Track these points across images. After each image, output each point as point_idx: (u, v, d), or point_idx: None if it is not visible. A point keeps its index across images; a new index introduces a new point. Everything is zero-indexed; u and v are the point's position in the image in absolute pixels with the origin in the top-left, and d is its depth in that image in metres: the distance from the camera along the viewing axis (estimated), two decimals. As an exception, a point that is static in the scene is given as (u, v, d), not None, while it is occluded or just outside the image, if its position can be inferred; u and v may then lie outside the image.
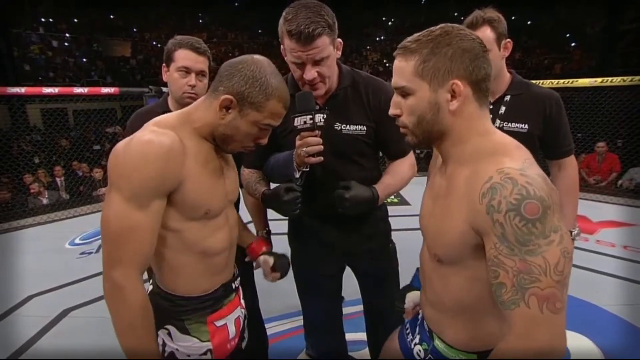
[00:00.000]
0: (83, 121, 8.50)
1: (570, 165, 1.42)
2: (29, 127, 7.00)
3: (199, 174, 0.85)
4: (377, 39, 18.05)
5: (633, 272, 2.74)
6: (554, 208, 0.61)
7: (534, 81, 1.52)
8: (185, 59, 1.30)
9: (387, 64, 15.59)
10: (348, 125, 1.19)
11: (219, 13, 18.13)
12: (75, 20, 14.96)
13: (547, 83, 4.25)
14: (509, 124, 1.34)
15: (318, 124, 1.07)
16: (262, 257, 1.16)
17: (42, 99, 5.35)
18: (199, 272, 0.92)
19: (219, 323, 0.96)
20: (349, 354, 1.59)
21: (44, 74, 11.89)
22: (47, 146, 5.25)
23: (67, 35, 14.36)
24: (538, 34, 13.90)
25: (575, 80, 4.32)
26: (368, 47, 17.44)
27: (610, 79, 4.19)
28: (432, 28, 0.72)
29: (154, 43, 16.08)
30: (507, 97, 1.35)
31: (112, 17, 16.01)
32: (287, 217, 1.40)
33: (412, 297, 1.03)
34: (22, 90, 4.31)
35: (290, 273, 1.44)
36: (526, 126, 1.32)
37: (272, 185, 1.24)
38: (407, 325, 1.02)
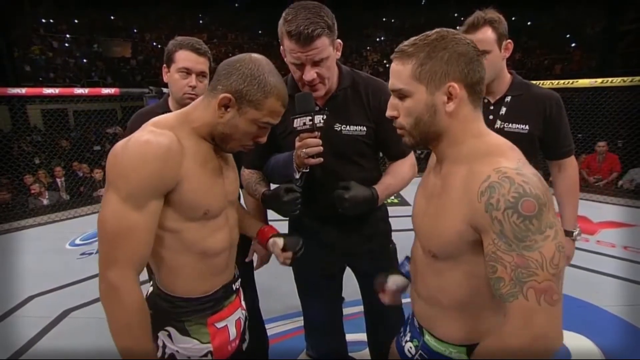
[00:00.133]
0: (83, 122, 8.51)
1: (571, 165, 1.42)
2: (29, 128, 7.00)
3: (197, 174, 0.85)
4: (377, 39, 18.06)
5: (633, 272, 2.74)
6: (548, 205, 0.63)
7: (534, 82, 1.52)
8: (185, 60, 1.30)
9: (387, 65, 15.54)
10: (348, 126, 1.19)
11: (219, 13, 18.15)
12: (76, 20, 14.97)
13: (547, 83, 4.25)
14: (510, 124, 1.34)
15: (317, 125, 1.07)
16: (270, 240, 1.13)
17: (42, 99, 5.35)
18: (199, 273, 0.91)
19: (220, 325, 0.96)
20: (349, 354, 1.59)
21: (45, 75, 11.91)
22: (47, 147, 5.25)
23: (68, 35, 14.37)
24: (538, 34, 13.91)
25: (575, 80, 4.32)
26: (368, 48, 17.45)
27: (610, 79, 4.20)
28: (427, 32, 0.74)
29: (154, 44, 16.10)
30: (508, 98, 1.36)
31: (112, 17, 16.03)
32: (287, 218, 1.40)
33: (395, 279, 1.03)
34: (22, 91, 4.31)
35: (291, 273, 1.45)
36: (527, 127, 1.32)
37: (273, 186, 1.24)
38: (402, 327, 1.02)
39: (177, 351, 0.90)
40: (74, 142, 6.00)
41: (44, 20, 14.27)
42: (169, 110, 1.36)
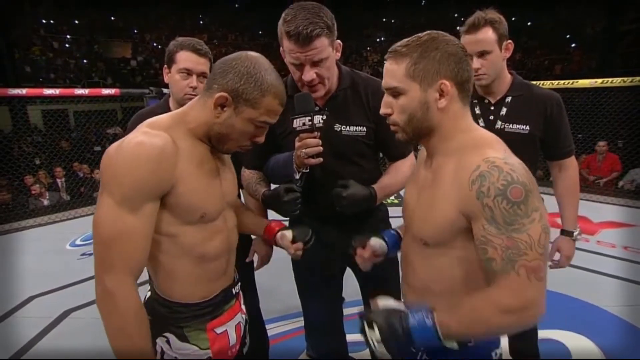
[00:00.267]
0: (84, 122, 8.52)
1: (571, 166, 1.42)
2: (30, 129, 7.00)
3: (193, 175, 0.83)
4: (377, 40, 18.06)
5: (633, 272, 2.74)
6: (533, 191, 0.69)
7: (534, 82, 1.52)
8: (186, 61, 1.30)
9: (387, 65, 15.54)
10: (348, 127, 1.19)
11: (219, 14, 18.15)
12: (76, 21, 14.98)
13: (547, 84, 4.25)
14: (510, 125, 1.34)
15: (317, 125, 1.07)
16: (279, 234, 1.11)
17: (43, 100, 5.36)
18: (197, 278, 0.89)
19: (219, 330, 0.93)
20: (350, 354, 1.59)
21: (45, 76, 11.92)
22: (47, 147, 5.25)
23: (68, 36, 14.38)
24: (538, 34, 13.90)
25: (575, 81, 4.32)
26: (368, 48, 17.45)
27: (610, 79, 4.20)
28: (419, 34, 0.79)
29: (155, 44, 16.11)
30: (509, 99, 1.36)
31: (112, 18, 16.03)
32: (287, 218, 1.40)
33: (377, 240, 1.04)
34: (23, 91, 4.32)
35: (291, 274, 1.45)
36: (527, 127, 1.33)
37: (273, 186, 1.24)
38: None
39: (175, 358, 0.88)
40: (74, 143, 6.00)
41: (44, 21, 14.28)
42: (170, 111, 1.36)
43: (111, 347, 0.75)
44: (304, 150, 1.07)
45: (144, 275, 0.80)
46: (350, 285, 1.47)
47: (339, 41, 1.13)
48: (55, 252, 3.54)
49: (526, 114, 1.33)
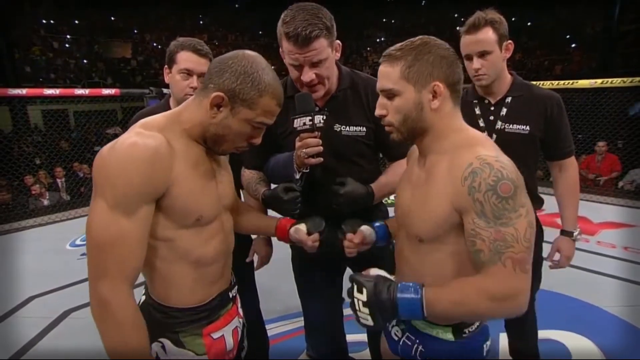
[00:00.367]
0: (84, 122, 8.51)
1: (571, 166, 1.42)
2: (30, 129, 7.01)
3: (188, 177, 0.81)
4: (378, 40, 18.07)
5: (633, 273, 2.74)
6: (521, 187, 0.73)
7: (534, 82, 1.53)
8: (187, 61, 1.30)
9: (387, 65, 15.52)
10: (348, 127, 1.19)
11: (219, 14, 18.15)
12: (76, 21, 14.98)
13: (547, 84, 4.25)
14: (511, 125, 1.34)
15: (317, 125, 1.07)
16: (292, 229, 1.10)
17: (43, 100, 5.36)
18: (193, 282, 0.87)
19: (216, 335, 0.91)
20: (350, 355, 1.59)
21: (45, 76, 11.92)
22: (48, 147, 5.25)
23: (68, 36, 14.38)
24: (538, 34, 13.90)
25: (575, 81, 4.32)
26: (368, 48, 17.46)
27: (610, 80, 4.19)
28: (411, 39, 0.83)
29: (155, 44, 16.11)
30: (509, 99, 1.36)
31: (112, 18, 16.04)
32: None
33: (367, 227, 1.06)
34: (23, 91, 4.32)
35: (291, 274, 1.45)
36: (527, 127, 1.33)
37: (273, 186, 1.24)
38: None
39: None
40: (74, 143, 6.00)
41: (44, 21, 14.28)
42: None
43: (108, 356, 0.72)
44: (304, 150, 1.07)
45: (139, 278, 0.79)
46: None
47: (338, 42, 1.13)
48: (55, 252, 3.54)
49: (526, 114, 1.33)
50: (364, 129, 1.20)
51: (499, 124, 1.35)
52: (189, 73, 1.31)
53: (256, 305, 1.59)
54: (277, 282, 2.11)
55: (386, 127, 0.87)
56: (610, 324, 2.14)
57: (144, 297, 0.91)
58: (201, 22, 18.50)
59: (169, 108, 1.40)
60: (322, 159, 1.08)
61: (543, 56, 13.20)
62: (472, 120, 1.29)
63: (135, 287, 0.76)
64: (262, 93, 0.81)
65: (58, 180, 5.48)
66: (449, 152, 0.81)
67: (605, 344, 1.94)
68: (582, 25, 12.86)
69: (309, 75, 1.08)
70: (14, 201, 4.94)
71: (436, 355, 0.88)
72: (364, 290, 0.78)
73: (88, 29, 14.95)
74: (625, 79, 4.10)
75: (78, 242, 3.80)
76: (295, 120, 1.08)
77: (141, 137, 0.75)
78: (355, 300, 0.79)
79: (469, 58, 1.32)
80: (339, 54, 1.15)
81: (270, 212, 1.33)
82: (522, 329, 1.57)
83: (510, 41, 1.31)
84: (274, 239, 1.53)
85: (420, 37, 0.84)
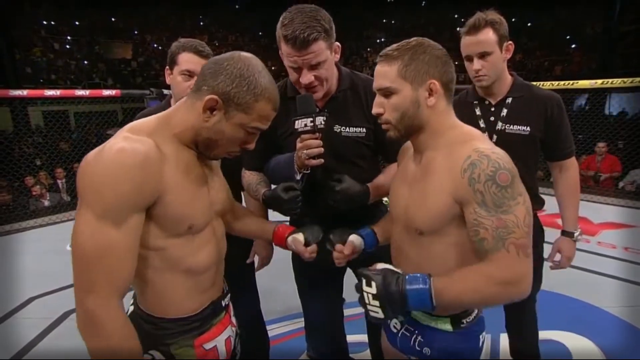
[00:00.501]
0: (84, 123, 8.51)
1: (572, 166, 1.42)
2: (31, 130, 7.01)
3: (179, 184, 0.78)
4: (378, 40, 18.08)
5: (634, 273, 2.74)
6: (517, 177, 0.77)
7: (534, 83, 1.53)
8: (188, 62, 1.31)
9: (387, 66, 15.51)
10: (348, 128, 1.19)
11: (219, 15, 18.17)
12: (77, 22, 15.00)
13: (547, 84, 4.25)
14: (511, 126, 1.34)
15: (319, 126, 1.07)
16: (290, 239, 1.09)
17: (44, 101, 5.36)
18: (185, 292, 0.84)
19: (208, 346, 0.88)
20: (350, 355, 1.59)
21: (46, 77, 11.93)
22: (48, 148, 5.25)
23: (69, 37, 14.40)
24: (538, 35, 13.90)
25: (575, 82, 4.32)
26: (368, 49, 17.47)
27: (610, 80, 4.20)
28: (407, 40, 0.87)
29: (155, 45, 16.12)
30: (509, 100, 1.36)
31: (112, 19, 16.06)
32: (288, 219, 1.41)
33: (355, 239, 1.07)
34: (24, 92, 4.33)
35: (292, 275, 1.45)
36: (528, 128, 1.33)
37: (274, 187, 1.24)
38: None
39: None
40: (74, 144, 6.00)
41: (44, 22, 14.30)
42: None
43: None
44: (305, 152, 1.07)
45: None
46: (351, 285, 1.46)
47: (337, 43, 1.13)
48: (55, 252, 3.54)
49: (527, 115, 1.33)
50: (364, 129, 1.20)
51: (499, 125, 1.36)
52: (190, 74, 1.31)
53: (257, 306, 1.59)
54: (277, 282, 2.11)
55: (383, 125, 0.90)
56: (611, 325, 2.14)
57: (132, 308, 0.88)
58: (201, 23, 18.51)
59: (170, 109, 1.41)
60: (322, 160, 1.08)
61: (543, 57, 13.20)
62: (472, 121, 1.29)
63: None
64: (258, 97, 0.78)
65: (59, 181, 5.49)
66: (445, 148, 0.85)
67: (606, 345, 1.94)
68: (582, 26, 12.86)
69: (307, 77, 1.08)
70: (15, 202, 4.94)
71: (435, 346, 0.91)
72: (373, 284, 0.79)
73: (88, 30, 14.97)
74: (625, 80, 4.10)
75: (78, 242, 3.80)
76: (296, 122, 1.08)
77: (129, 142, 0.72)
78: (365, 294, 0.80)
79: (469, 59, 1.32)
80: (338, 56, 1.15)
81: (272, 214, 1.33)
82: (522, 329, 1.57)
83: (510, 42, 1.32)
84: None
85: (415, 38, 0.87)
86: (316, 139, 1.08)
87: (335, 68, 1.19)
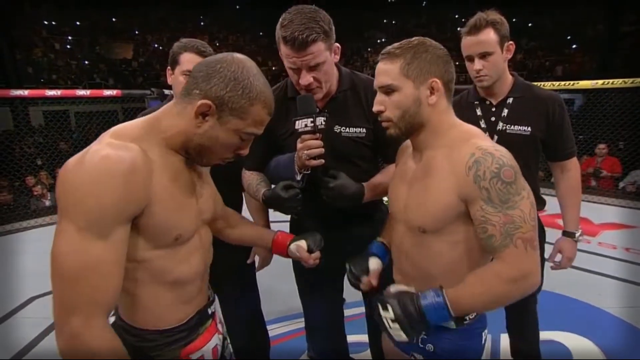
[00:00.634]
0: (85, 123, 8.52)
1: (573, 167, 1.42)
2: (32, 129, 7.02)
3: (167, 193, 0.73)
4: (378, 41, 18.08)
5: (635, 274, 2.74)
6: (519, 172, 0.78)
7: (535, 83, 1.52)
8: (190, 63, 1.30)
9: (388, 66, 15.53)
10: (348, 128, 1.19)
11: (220, 15, 18.18)
12: (78, 22, 15.02)
13: (548, 85, 4.24)
14: (512, 126, 1.34)
15: (319, 126, 1.07)
16: (293, 246, 1.07)
17: (44, 101, 5.37)
18: (170, 303, 0.80)
19: (195, 356, 0.84)
20: (351, 355, 1.59)
21: (47, 77, 11.96)
22: (49, 148, 5.26)
23: (70, 37, 14.43)
24: (539, 35, 13.89)
25: (576, 82, 4.31)
26: (369, 49, 17.47)
27: (611, 80, 4.19)
28: (409, 39, 0.88)
29: (156, 45, 16.14)
30: (510, 100, 1.36)
31: (113, 19, 16.08)
32: (288, 220, 1.41)
33: (373, 262, 1.07)
34: (25, 92, 4.33)
35: (292, 275, 1.45)
36: (529, 129, 1.33)
37: (273, 187, 1.24)
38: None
39: None
40: (75, 143, 6.01)
41: (46, 22, 14.33)
42: None
43: None
44: (305, 152, 1.07)
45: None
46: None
47: (337, 44, 1.13)
48: (56, 252, 3.54)
49: (528, 115, 1.33)
50: (364, 130, 1.20)
51: (500, 125, 1.35)
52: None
53: (257, 305, 1.59)
54: (278, 282, 2.11)
55: (383, 122, 0.90)
56: (612, 325, 2.13)
57: (113, 318, 0.83)
58: (202, 23, 18.54)
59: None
60: (323, 161, 1.08)
61: (544, 57, 13.19)
62: (473, 121, 1.28)
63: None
64: (254, 102, 0.74)
65: (59, 181, 5.48)
66: (446, 146, 0.85)
67: (607, 345, 1.94)
68: (583, 26, 12.85)
69: (306, 78, 1.08)
70: (16, 202, 4.94)
71: (438, 343, 0.92)
72: (389, 307, 0.80)
73: (89, 30, 15.00)
74: (626, 80, 4.09)
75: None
76: (297, 122, 1.08)
77: (114, 148, 0.67)
78: (384, 319, 0.82)
79: (470, 59, 1.32)
80: (337, 57, 1.15)
81: (272, 214, 1.33)
82: (523, 329, 1.57)
83: (511, 42, 1.31)
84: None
85: (417, 37, 0.88)
86: (316, 139, 1.07)
87: (336, 68, 1.19)
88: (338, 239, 1.31)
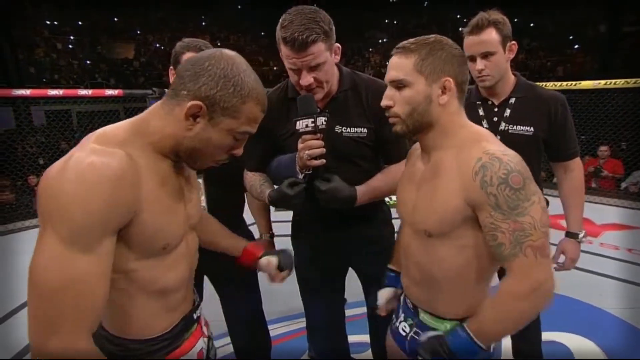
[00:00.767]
0: (86, 123, 8.53)
1: (577, 167, 1.41)
2: (34, 129, 7.04)
3: (156, 200, 0.70)
4: (380, 40, 18.06)
5: (637, 275, 2.73)
6: (530, 177, 0.76)
7: (537, 83, 1.52)
8: None
9: (389, 66, 15.54)
10: (349, 128, 1.19)
11: (221, 15, 18.19)
12: (79, 22, 15.06)
13: (549, 85, 4.23)
14: (514, 126, 1.34)
15: (320, 127, 1.07)
16: (264, 260, 1.06)
17: (46, 100, 5.38)
18: (155, 312, 0.78)
19: None
20: (352, 355, 1.59)
21: (49, 77, 11.99)
22: (51, 147, 5.27)
23: (71, 37, 14.47)
24: (540, 36, 13.87)
25: (578, 82, 4.30)
26: (370, 49, 17.46)
27: (614, 80, 4.17)
28: (425, 36, 0.86)
29: (157, 45, 16.16)
30: (512, 100, 1.35)
31: (115, 19, 16.11)
32: (289, 219, 1.40)
33: (384, 294, 1.09)
34: (27, 92, 4.34)
35: (294, 275, 1.45)
36: (531, 129, 1.32)
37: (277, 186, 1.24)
38: (394, 314, 1.08)
39: None
40: (77, 143, 6.03)
41: (48, 22, 14.37)
42: None
43: None
44: (307, 152, 1.07)
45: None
46: (354, 286, 1.46)
47: (337, 44, 1.13)
48: (58, 252, 3.55)
49: (530, 116, 1.32)
50: (365, 130, 1.20)
51: (502, 125, 1.35)
52: None
53: (258, 305, 1.59)
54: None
55: (391, 118, 0.88)
56: (614, 326, 2.13)
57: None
58: (203, 23, 18.55)
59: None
60: (324, 161, 1.08)
61: (545, 57, 13.17)
62: (475, 122, 1.27)
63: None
64: (246, 99, 0.71)
65: (61, 181, 5.49)
66: (454, 148, 0.83)
67: (609, 346, 1.93)
68: (584, 26, 12.82)
69: (307, 79, 1.08)
70: (18, 201, 4.95)
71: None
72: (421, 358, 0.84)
73: (91, 30, 15.03)
74: (628, 80, 4.07)
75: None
76: (298, 122, 1.08)
77: (99, 155, 0.63)
78: None
79: (472, 59, 1.31)
80: (338, 57, 1.15)
81: (275, 214, 1.33)
82: (525, 330, 1.55)
83: (513, 42, 1.31)
84: (277, 241, 1.53)
85: (434, 35, 0.86)
86: (317, 139, 1.07)
87: (336, 68, 1.19)
88: (337, 239, 1.31)
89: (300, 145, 1.09)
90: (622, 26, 10.31)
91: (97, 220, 0.61)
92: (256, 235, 1.53)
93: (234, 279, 1.46)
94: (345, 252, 1.35)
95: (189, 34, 2.39)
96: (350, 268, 1.43)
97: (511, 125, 1.34)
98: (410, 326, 0.96)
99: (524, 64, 12.68)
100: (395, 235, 1.41)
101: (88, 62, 13.94)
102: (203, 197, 1.31)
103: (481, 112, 1.39)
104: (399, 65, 0.84)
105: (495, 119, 1.37)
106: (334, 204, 1.10)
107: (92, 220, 0.60)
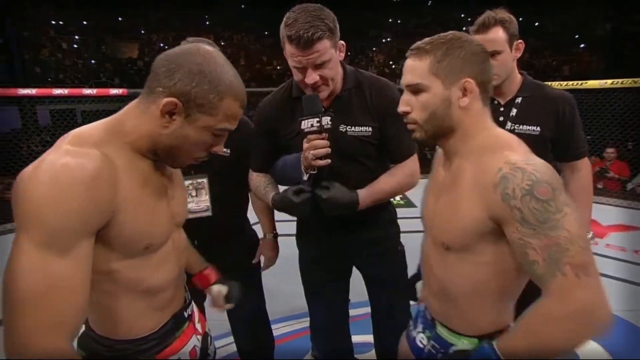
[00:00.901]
0: (91, 122, 8.60)
1: (584, 167, 1.40)
2: (39, 128, 7.09)
3: (135, 200, 0.68)
4: (383, 40, 18.03)
5: (643, 276, 2.70)
6: (560, 188, 0.67)
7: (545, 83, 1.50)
8: None
9: (392, 66, 15.55)
10: (353, 127, 1.18)
11: (224, 14, 18.23)
12: (84, 22, 15.17)
13: (555, 84, 4.20)
14: (521, 126, 1.32)
15: (325, 126, 1.07)
16: (215, 288, 1.02)
17: (52, 100, 5.42)
18: (142, 312, 0.76)
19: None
20: (355, 355, 1.58)
21: (54, 76, 12.09)
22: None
23: (76, 37, 14.57)
24: (546, 35, 13.79)
25: (584, 82, 4.26)
26: (374, 49, 17.43)
27: (620, 80, 4.13)
28: (442, 34, 0.79)
29: (161, 44, 16.23)
30: (519, 99, 1.34)
31: (119, 19, 16.20)
32: (293, 219, 1.40)
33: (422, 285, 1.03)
34: (32, 91, 4.37)
35: (297, 275, 1.45)
36: (538, 128, 1.31)
37: (281, 188, 1.23)
38: (411, 321, 1.04)
39: None
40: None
41: (53, 22, 14.48)
42: None
43: None
44: (312, 152, 1.06)
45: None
46: (358, 286, 1.46)
47: (342, 42, 1.12)
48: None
49: (537, 115, 1.31)
50: (370, 128, 1.19)
51: (508, 125, 1.34)
52: None
53: (262, 305, 1.59)
54: (282, 282, 2.11)
55: (409, 125, 0.82)
56: (620, 328, 2.10)
57: (83, 327, 0.78)
58: (207, 23, 18.60)
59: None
60: (330, 161, 1.08)
61: (551, 57, 13.09)
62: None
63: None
64: (223, 96, 0.68)
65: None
66: (475, 154, 0.76)
67: (614, 348, 1.91)
68: (590, 25, 12.72)
69: (312, 77, 1.08)
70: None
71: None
72: None
73: (95, 30, 15.13)
74: (635, 80, 4.03)
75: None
76: (303, 122, 1.08)
77: (74, 156, 0.61)
78: None
79: (479, 58, 1.30)
80: (342, 55, 1.15)
81: (277, 214, 1.32)
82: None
83: (520, 41, 1.30)
84: (280, 240, 1.53)
85: (452, 32, 0.79)
86: (323, 139, 1.07)
87: (340, 67, 1.18)
88: (339, 242, 1.30)
89: (305, 145, 1.09)
90: (629, 25, 10.22)
91: (72, 222, 0.59)
92: (260, 234, 1.53)
93: (238, 279, 1.46)
94: (347, 254, 1.35)
95: (193, 34, 2.39)
96: (354, 267, 1.43)
97: (517, 125, 1.32)
98: (428, 338, 0.92)
99: (529, 63, 12.61)
100: (401, 235, 1.41)
101: (93, 61, 14.04)
102: (207, 197, 1.31)
103: (487, 112, 1.38)
104: (413, 68, 0.78)
105: (502, 118, 1.35)
106: (335, 211, 1.10)
107: (67, 222, 0.58)
